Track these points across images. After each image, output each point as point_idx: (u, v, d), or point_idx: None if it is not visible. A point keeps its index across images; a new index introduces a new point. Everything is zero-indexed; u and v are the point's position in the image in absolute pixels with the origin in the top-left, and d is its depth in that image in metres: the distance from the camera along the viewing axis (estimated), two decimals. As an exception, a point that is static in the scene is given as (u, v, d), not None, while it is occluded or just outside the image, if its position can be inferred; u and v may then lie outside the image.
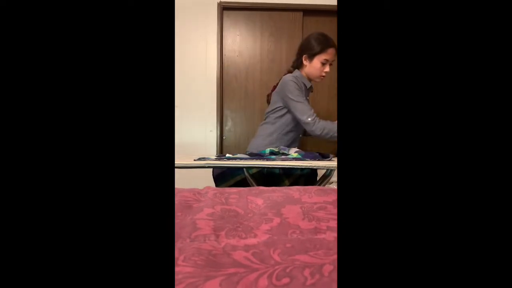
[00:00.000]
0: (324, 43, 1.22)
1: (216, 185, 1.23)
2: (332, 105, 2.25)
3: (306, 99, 1.27)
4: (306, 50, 1.27)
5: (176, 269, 0.31)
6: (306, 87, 1.29)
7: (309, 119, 1.17)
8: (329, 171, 1.15)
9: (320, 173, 1.20)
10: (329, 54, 1.24)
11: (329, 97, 2.26)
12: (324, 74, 1.28)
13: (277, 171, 1.17)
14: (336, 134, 1.12)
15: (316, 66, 1.26)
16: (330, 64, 1.27)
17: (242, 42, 2.16)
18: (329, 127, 1.15)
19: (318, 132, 1.16)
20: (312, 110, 1.20)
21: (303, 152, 1.12)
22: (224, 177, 1.20)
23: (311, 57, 1.26)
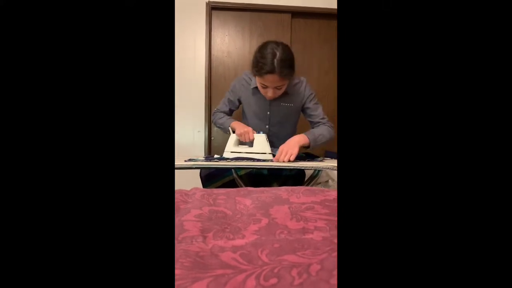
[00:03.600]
0: (259, 68, 1.04)
1: (204, 186, 1.21)
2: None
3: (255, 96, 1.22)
4: (251, 64, 1.10)
5: (163, 271, 0.30)
6: (250, 86, 1.21)
7: (214, 110, 1.34)
8: (316, 171, 1.16)
9: (308, 174, 1.21)
10: (266, 80, 1.06)
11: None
12: (267, 98, 1.14)
13: (265, 172, 1.17)
14: (218, 125, 1.31)
15: (259, 85, 1.13)
16: (278, 89, 1.10)
17: (230, 42, 2.16)
18: (215, 119, 1.32)
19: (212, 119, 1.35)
20: (221, 106, 1.32)
21: None
22: (212, 178, 1.19)
23: (253, 74, 1.11)
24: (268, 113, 1.23)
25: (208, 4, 2.08)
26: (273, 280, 0.29)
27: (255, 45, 2.17)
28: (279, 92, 1.14)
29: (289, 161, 1.02)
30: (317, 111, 1.23)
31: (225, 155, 1.17)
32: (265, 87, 1.10)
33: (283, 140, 1.28)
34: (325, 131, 1.17)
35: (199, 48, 2.11)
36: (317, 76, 2.28)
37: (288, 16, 2.19)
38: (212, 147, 2.16)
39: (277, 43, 1.08)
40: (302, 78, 1.25)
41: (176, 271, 0.30)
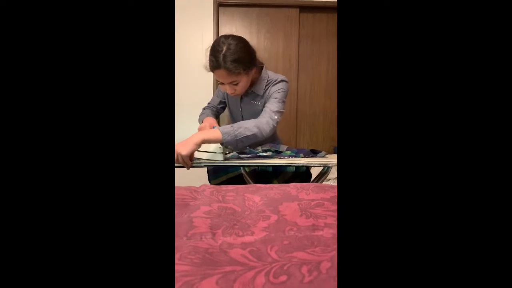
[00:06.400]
0: (208, 64, 1.02)
1: (209, 180, 1.22)
2: (330, 102, 2.25)
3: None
4: None
5: (172, 267, 0.30)
6: None
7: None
8: (326, 168, 1.15)
9: (317, 170, 1.20)
10: (218, 76, 1.02)
11: (325, 95, 2.26)
12: (229, 94, 1.09)
13: (270, 169, 1.16)
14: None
15: (218, 82, 1.09)
16: (234, 84, 1.03)
17: (238, 39, 2.15)
18: (201, 118, 1.29)
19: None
20: (212, 99, 1.33)
21: (295, 149, 1.12)
22: (217, 172, 1.20)
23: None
24: (240, 109, 1.21)
25: (215, 0, 2.08)
26: (283, 277, 0.29)
27: (262, 41, 2.16)
28: (239, 88, 1.05)
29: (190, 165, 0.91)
30: (269, 103, 1.06)
31: (196, 154, 1.04)
32: (221, 83, 1.06)
33: None
34: (253, 123, 0.98)
35: (206, 45, 2.10)
36: (325, 70, 2.26)
37: (296, 10, 2.16)
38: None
39: (226, 37, 1.01)
40: (277, 77, 1.12)
41: (185, 268, 0.30)
